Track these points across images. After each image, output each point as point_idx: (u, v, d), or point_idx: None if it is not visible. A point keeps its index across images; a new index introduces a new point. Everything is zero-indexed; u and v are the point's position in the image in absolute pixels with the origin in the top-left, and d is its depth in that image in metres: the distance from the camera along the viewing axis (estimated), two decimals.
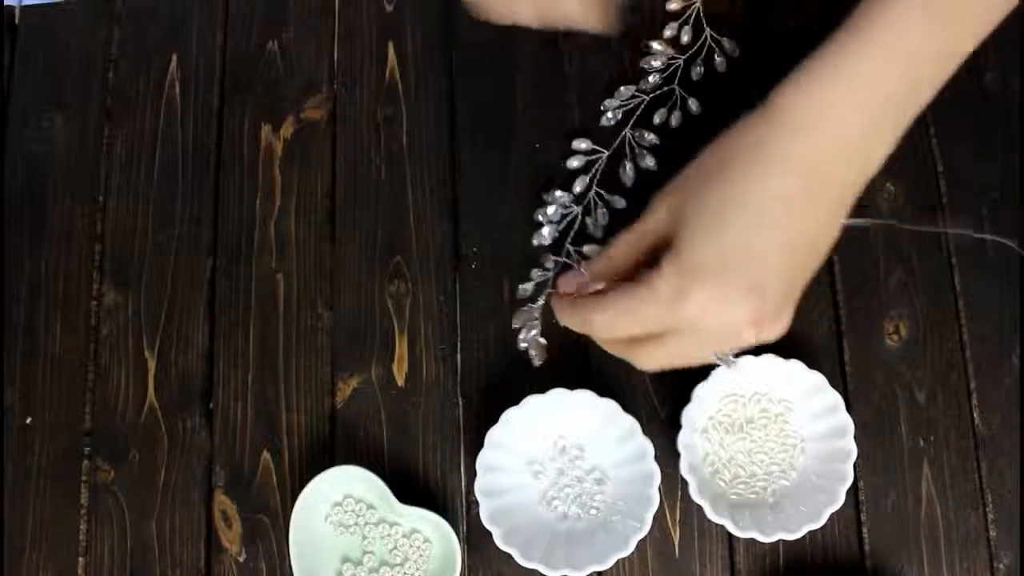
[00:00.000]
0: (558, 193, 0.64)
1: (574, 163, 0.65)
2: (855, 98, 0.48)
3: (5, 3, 0.69)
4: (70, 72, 0.68)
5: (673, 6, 0.68)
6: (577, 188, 0.65)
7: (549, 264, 0.63)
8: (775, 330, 0.50)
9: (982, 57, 0.66)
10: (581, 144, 0.65)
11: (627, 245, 0.53)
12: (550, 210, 0.64)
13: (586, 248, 0.63)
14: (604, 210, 0.64)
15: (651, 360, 0.52)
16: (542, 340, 0.61)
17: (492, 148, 0.66)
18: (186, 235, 0.65)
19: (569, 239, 0.64)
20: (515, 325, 0.61)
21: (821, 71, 0.49)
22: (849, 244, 0.64)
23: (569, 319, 0.53)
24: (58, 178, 0.66)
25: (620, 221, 0.64)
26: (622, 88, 0.66)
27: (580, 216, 0.64)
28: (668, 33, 0.67)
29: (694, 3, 0.67)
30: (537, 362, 0.61)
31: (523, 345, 0.61)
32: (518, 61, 0.68)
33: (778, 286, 0.49)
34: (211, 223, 0.65)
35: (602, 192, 0.65)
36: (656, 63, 0.67)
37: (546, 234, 0.64)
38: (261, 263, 0.64)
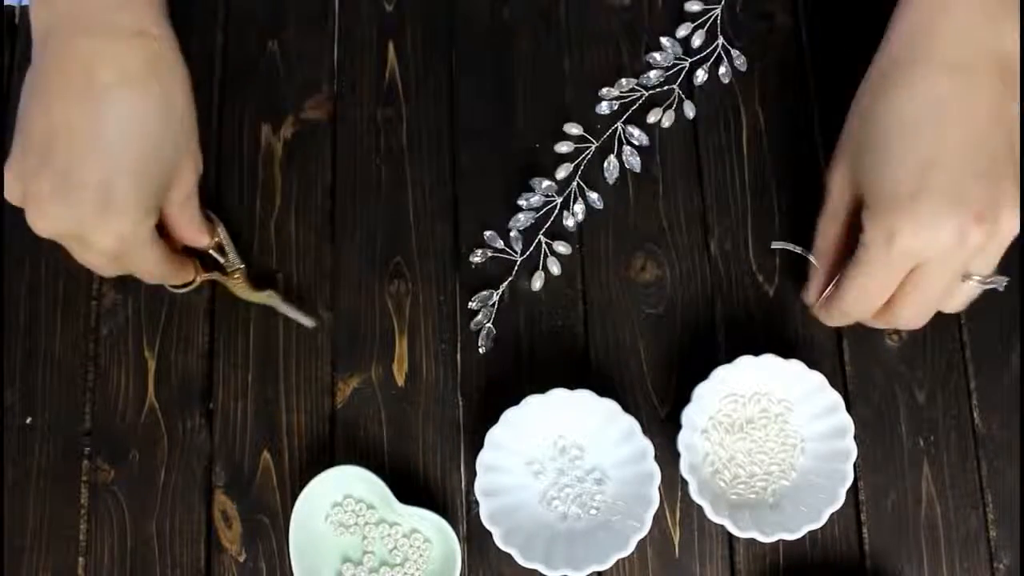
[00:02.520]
0: (545, 183, 0.64)
1: (563, 148, 0.65)
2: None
3: (5, 3, 0.69)
4: None
5: (693, 7, 0.67)
6: (560, 175, 0.65)
7: (478, 257, 0.64)
8: (1004, 218, 0.50)
9: None
10: (572, 129, 0.65)
11: (828, 231, 0.55)
12: (533, 199, 0.64)
13: (558, 246, 0.64)
14: (583, 206, 0.64)
15: (913, 309, 0.53)
16: (492, 328, 0.62)
17: (492, 148, 0.66)
18: None
19: (543, 231, 0.64)
20: (472, 305, 0.62)
21: None
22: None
23: (832, 319, 0.57)
24: None
25: (595, 222, 0.64)
26: (623, 80, 0.66)
27: (559, 207, 0.64)
28: (681, 33, 0.67)
29: (715, 9, 0.67)
30: (482, 350, 0.62)
31: (474, 327, 0.63)
32: (518, 61, 0.68)
33: (973, 178, 0.50)
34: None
35: (583, 185, 0.65)
36: (662, 60, 0.66)
37: (523, 219, 0.64)
38: (261, 263, 0.64)
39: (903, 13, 0.53)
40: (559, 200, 0.64)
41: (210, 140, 0.66)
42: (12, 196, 0.52)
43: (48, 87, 0.51)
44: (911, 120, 0.51)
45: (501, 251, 0.64)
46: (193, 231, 0.58)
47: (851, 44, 0.63)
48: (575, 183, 0.65)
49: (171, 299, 0.64)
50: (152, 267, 0.56)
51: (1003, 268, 0.52)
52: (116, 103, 0.51)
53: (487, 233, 0.64)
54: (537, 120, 0.66)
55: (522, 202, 0.64)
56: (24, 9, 0.69)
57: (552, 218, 0.64)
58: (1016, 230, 0.50)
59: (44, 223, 0.52)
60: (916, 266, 0.51)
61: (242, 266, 0.63)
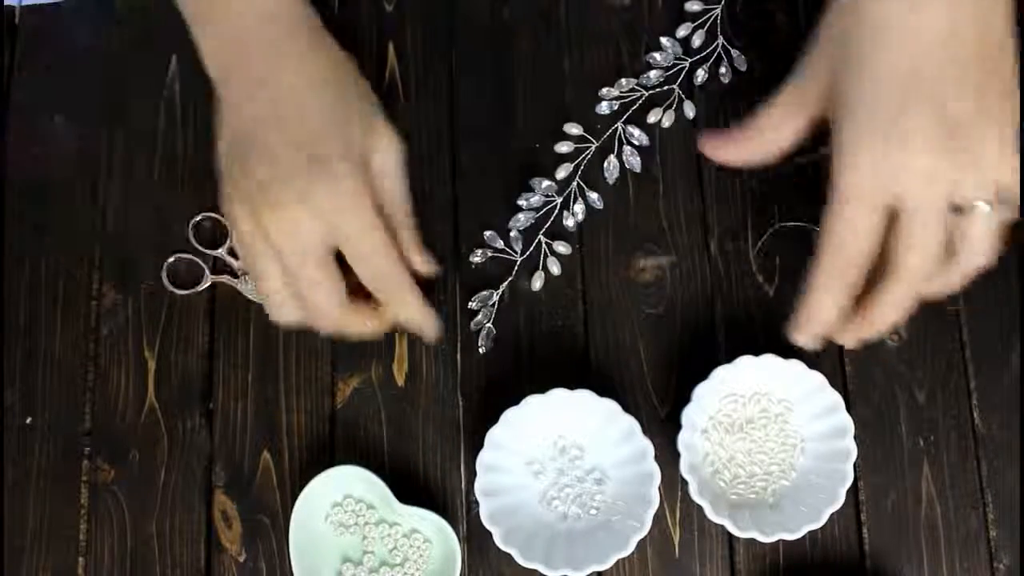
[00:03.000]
0: (544, 183, 0.64)
1: (563, 148, 0.65)
2: None
3: (5, 3, 0.69)
4: (70, 72, 0.68)
5: (694, 7, 0.67)
6: (560, 175, 0.65)
7: (478, 257, 0.64)
8: (988, 146, 0.46)
9: None
10: (572, 129, 0.65)
11: (783, 113, 0.51)
12: (533, 199, 0.64)
13: (558, 245, 0.64)
14: (583, 206, 0.64)
15: (918, 257, 0.47)
16: (492, 328, 0.62)
17: (492, 148, 0.66)
18: (186, 235, 0.65)
19: (543, 231, 0.64)
20: (472, 305, 0.63)
21: None
22: None
23: (819, 309, 0.50)
24: (58, 178, 0.66)
25: (595, 222, 0.64)
26: (623, 80, 0.66)
27: (559, 207, 0.64)
28: (681, 32, 0.67)
29: (715, 9, 0.67)
30: (482, 350, 0.62)
31: (474, 327, 0.63)
32: (518, 61, 0.67)
33: (955, 101, 0.45)
34: (211, 223, 0.65)
35: (584, 185, 0.65)
36: (662, 60, 0.66)
37: (523, 219, 0.64)
38: None
39: None
40: (559, 200, 0.64)
41: (210, 140, 0.66)
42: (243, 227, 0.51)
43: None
44: (885, 40, 0.46)
45: (501, 251, 0.64)
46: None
47: None
48: (575, 183, 0.65)
49: (171, 299, 0.64)
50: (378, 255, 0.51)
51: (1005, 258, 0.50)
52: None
53: (487, 233, 0.64)
54: (537, 120, 0.66)
55: (522, 202, 0.64)
56: (24, 9, 0.69)
57: (552, 218, 0.64)
58: (1007, 157, 0.46)
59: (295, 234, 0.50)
60: (900, 211, 0.47)
61: None
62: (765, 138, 0.52)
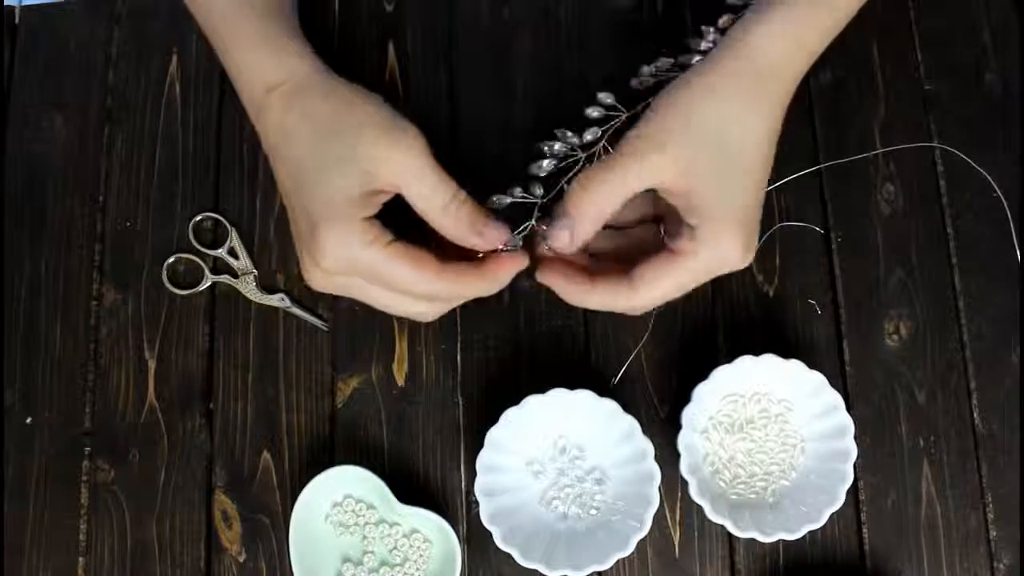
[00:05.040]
0: (569, 133, 0.61)
1: (593, 113, 0.62)
2: (800, 42, 0.55)
3: (5, 3, 0.69)
4: (70, 72, 0.68)
5: None
6: (588, 137, 0.61)
7: (504, 200, 0.58)
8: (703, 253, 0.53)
9: (982, 57, 0.67)
10: (607, 99, 0.62)
11: (618, 192, 0.53)
12: (556, 145, 0.61)
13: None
14: None
15: (647, 305, 0.54)
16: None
17: (492, 148, 0.66)
18: (186, 235, 0.65)
19: (567, 179, 0.60)
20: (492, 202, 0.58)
21: (769, 27, 0.54)
22: (849, 244, 0.64)
23: (591, 303, 0.54)
24: (58, 178, 0.66)
25: None
26: (661, 59, 0.64)
27: (583, 163, 0.61)
28: (722, 22, 0.65)
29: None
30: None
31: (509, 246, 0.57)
32: (518, 61, 0.67)
33: (758, 209, 0.54)
34: (211, 223, 0.65)
35: (610, 148, 0.61)
36: (702, 46, 0.64)
37: (545, 165, 0.60)
38: (261, 263, 0.64)
39: (752, 38, 0.54)
40: (583, 156, 0.61)
41: (210, 140, 0.67)
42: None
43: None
44: (752, 151, 0.53)
45: (522, 197, 0.58)
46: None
47: (849, 43, 0.63)
48: (601, 144, 0.61)
49: (171, 299, 0.64)
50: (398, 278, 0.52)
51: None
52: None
53: (507, 191, 0.58)
54: (538, 121, 0.66)
55: (545, 148, 0.61)
56: (24, 9, 0.69)
57: (575, 171, 0.60)
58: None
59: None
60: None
61: (254, 271, 0.63)
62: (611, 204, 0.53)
